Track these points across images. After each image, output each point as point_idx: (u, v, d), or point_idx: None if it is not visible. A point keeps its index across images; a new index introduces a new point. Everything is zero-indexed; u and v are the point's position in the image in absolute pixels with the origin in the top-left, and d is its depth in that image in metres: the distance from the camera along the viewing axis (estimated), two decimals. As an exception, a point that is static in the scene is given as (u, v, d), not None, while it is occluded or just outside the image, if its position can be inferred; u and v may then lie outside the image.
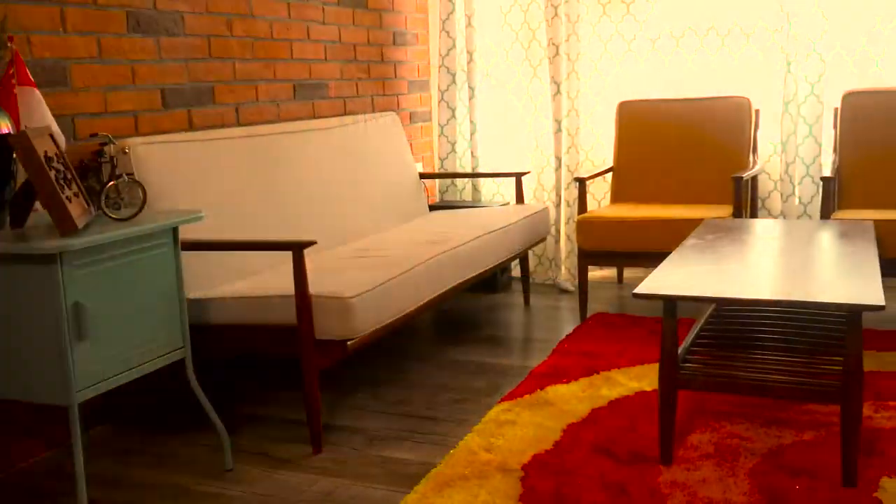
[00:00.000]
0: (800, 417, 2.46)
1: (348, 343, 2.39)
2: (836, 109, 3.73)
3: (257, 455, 2.43)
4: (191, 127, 2.99)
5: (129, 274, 2.05)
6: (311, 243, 2.36)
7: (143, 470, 2.37)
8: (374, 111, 4.08)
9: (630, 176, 3.99)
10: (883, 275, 3.18)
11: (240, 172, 2.95)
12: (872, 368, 2.83)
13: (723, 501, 2.01)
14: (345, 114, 3.84)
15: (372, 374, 3.06)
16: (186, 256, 2.55)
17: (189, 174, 2.76)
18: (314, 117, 3.64)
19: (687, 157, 3.90)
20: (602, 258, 3.57)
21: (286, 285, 2.46)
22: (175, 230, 2.20)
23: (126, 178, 2.15)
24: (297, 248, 2.34)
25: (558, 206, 4.20)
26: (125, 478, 2.33)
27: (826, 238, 2.71)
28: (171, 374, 2.54)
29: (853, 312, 1.99)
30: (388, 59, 4.20)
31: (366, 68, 4.01)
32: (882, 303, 1.93)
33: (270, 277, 2.71)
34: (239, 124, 3.20)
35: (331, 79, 3.75)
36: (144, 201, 2.15)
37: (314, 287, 2.40)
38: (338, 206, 3.38)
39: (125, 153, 2.56)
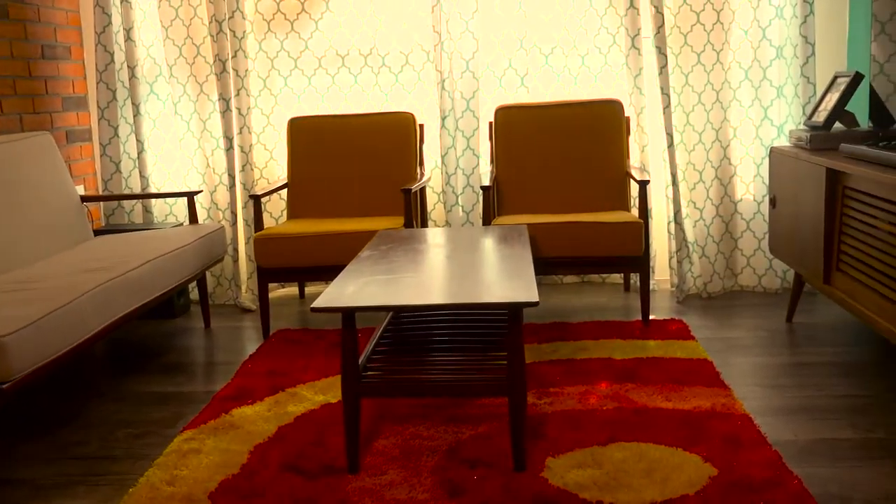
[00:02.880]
0: (476, 412, 2.62)
1: (4, 386, 2.16)
2: (490, 123, 4.04)
3: None
4: None
5: None
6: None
7: None
8: (22, 130, 3.74)
9: (305, 192, 4.02)
10: (537, 273, 3.51)
11: None
12: (534, 360, 3.10)
13: (408, 501, 2.09)
14: (-12, 134, 3.48)
15: (41, 417, 2.80)
16: None
17: None
18: (-49, 138, 3.26)
19: (360, 171, 4.02)
20: (282, 275, 3.56)
21: (-77, 328, 2.18)
22: None
23: None
24: (-65, 286, 2.08)
25: (234, 224, 4.13)
26: None
27: (488, 243, 2.91)
28: None
29: (512, 309, 2.16)
30: (36, 74, 3.87)
31: (10, 84, 3.67)
32: (536, 299, 2.11)
33: None
34: None
35: (-31, 95, 3.38)
36: None
37: (-41, 328, 2.15)
38: (-15, 236, 3.06)
39: None
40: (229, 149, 4.08)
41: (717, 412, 2.55)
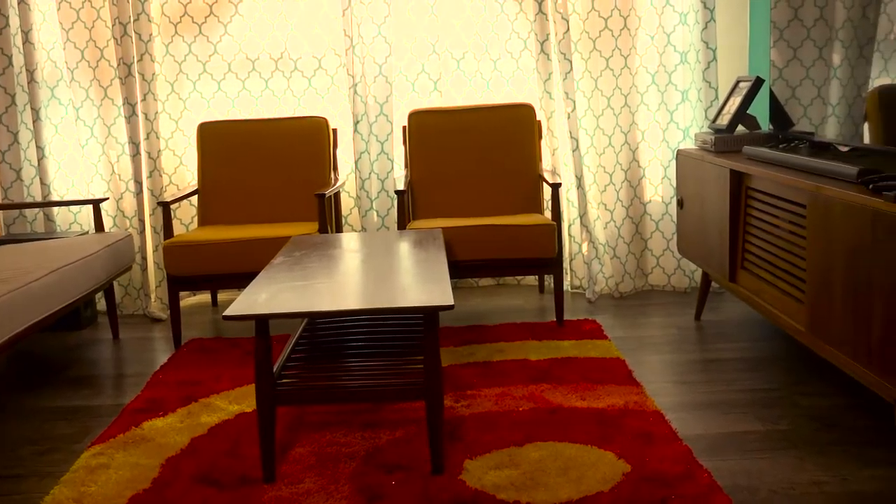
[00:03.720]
0: (394, 416, 2.62)
1: None
2: (403, 128, 4.04)
3: None
4: None
5: None
6: None
7: None
8: (-85, 137, 3.57)
9: (217, 198, 3.95)
10: (452, 277, 3.53)
11: None
12: (451, 363, 3.11)
13: (326, 509, 2.07)
14: None
15: (-67, 438, 2.68)
16: None
17: None
18: None
19: (273, 177, 3.96)
20: (193, 283, 3.48)
21: None
22: None
23: None
24: None
25: (142, 232, 4.02)
26: None
27: (403, 247, 2.91)
28: None
29: (428, 313, 2.16)
30: (-71, 77, 3.70)
31: None
32: (451, 302, 2.12)
33: None
34: None
35: None
36: None
37: None
38: None
39: None
40: (136, 155, 3.98)
41: (630, 410, 2.60)
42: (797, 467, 2.21)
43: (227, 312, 2.11)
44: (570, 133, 3.94)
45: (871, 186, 2.12)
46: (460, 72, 4.11)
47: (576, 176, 3.95)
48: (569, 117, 3.93)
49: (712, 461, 2.26)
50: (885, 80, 2.52)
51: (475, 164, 3.95)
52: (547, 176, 3.76)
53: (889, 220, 1.96)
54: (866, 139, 2.63)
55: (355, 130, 4.02)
